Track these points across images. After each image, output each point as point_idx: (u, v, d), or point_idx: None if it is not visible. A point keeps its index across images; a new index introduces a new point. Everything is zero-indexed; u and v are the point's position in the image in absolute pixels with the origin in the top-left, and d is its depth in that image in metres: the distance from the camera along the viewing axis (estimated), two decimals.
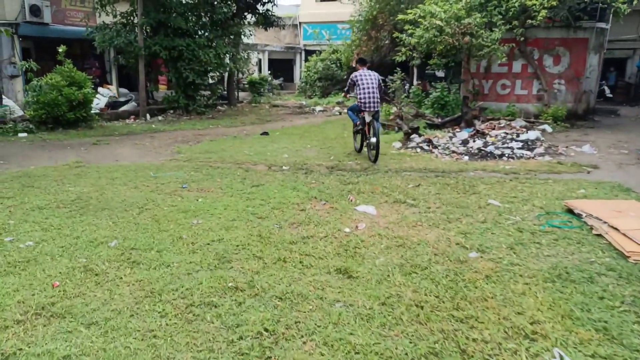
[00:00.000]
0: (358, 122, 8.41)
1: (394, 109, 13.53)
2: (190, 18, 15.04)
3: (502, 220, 4.89)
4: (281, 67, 31.34)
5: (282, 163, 7.94)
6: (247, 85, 19.94)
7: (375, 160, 7.81)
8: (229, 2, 15.86)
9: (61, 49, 11.99)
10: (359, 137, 8.74)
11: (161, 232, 4.55)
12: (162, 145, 10.19)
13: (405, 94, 16.03)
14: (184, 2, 15.50)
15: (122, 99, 15.83)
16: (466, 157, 8.18)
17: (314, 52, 32.02)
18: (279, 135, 11.75)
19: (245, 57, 16.61)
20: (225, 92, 18.79)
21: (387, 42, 20.70)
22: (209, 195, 5.91)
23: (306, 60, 32.99)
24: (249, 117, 15.81)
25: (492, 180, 6.60)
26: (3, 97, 13.12)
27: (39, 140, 10.66)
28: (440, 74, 21.19)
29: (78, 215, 5.09)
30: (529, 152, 8.34)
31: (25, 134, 11.15)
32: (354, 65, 22.13)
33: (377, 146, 7.70)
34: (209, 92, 16.78)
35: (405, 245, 4.22)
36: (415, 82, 18.73)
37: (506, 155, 8.23)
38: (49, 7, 16.97)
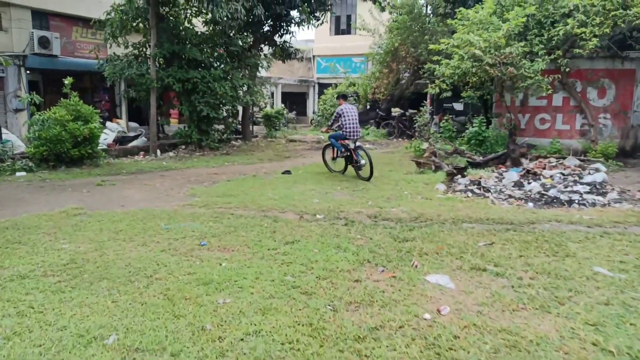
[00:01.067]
0: (343, 150, 9.86)
1: (425, 145, 12.45)
2: (205, 49, 14.25)
3: (630, 299, 3.67)
4: (294, 100, 30.71)
5: (315, 210, 6.79)
6: (261, 119, 19.06)
7: (370, 178, 9.26)
8: (246, 34, 15.11)
9: (67, 80, 11.13)
10: (341, 161, 10.29)
11: (176, 319, 3.37)
12: (175, 187, 9.11)
13: (435, 129, 14.99)
14: (199, 33, 14.77)
15: (131, 134, 14.93)
16: (530, 204, 6.99)
17: (328, 85, 31.43)
18: (302, 174, 10.66)
19: (262, 89, 15.73)
20: (239, 126, 17.88)
21: (407, 74, 19.91)
22: (234, 257, 4.74)
23: (320, 93, 32.43)
24: (265, 153, 14.79)
25: (578, 236, 5.39)
26: (5, 131, 12.20)
27: (38, 180, 9.63)
28: (458, 106, 20.28)
29: (68, 289, 3.92)
30: (601, 198, 7.14)
31: (23, 173, 10.14)
32: (371, 98, 21.37)
33: (371, 164, 9.20)
34: (223, 126, 15.84)
35: (521, 347, 2.99)
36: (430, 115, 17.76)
37: (576, 201, 7.03)
38: (59, 39, 16.36)
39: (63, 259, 4.64)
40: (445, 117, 14.75)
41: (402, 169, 11.07)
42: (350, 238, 5.37)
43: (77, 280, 4.11)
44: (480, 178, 8.66)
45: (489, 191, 7.80)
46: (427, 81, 15.14)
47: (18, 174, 10.05)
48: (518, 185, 8.18)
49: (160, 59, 13.99)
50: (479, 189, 7.94)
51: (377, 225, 5.98)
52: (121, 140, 14.18)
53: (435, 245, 5.07)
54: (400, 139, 18.73)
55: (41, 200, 7.80)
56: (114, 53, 14.54)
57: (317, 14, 16.35)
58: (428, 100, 17.57)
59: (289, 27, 17.04)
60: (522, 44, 10.65)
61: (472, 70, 10.51)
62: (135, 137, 14.62)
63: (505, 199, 7.33)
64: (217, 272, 4.27)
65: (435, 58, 11.86)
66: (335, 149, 10.17)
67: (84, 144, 10.93)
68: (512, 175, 8.87)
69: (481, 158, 10.51)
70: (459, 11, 11.48)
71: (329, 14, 16.79)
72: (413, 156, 12.21)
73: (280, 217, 6.41)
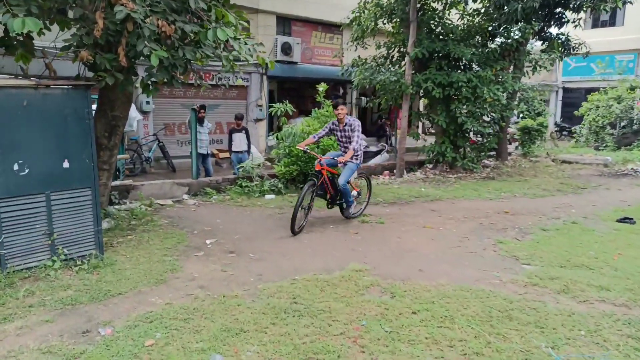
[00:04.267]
0: None
1: None
2: (470, 46, 11.32)
3: None
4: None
5: None
6: (516, 133, 15.34)
7: None
8: (524, 23, 11.49)
9: (322, 87, 9.44)
10: None
11: None
12: (468, 233, 6.34)
13: None
14: (461, 26, 11.96)
15: (372, 149, 12.92)
16: None
17: (576, 90, 25.75)
18: None
19: (537, 95, 12.09)
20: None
21: None
22: None
23: (566, 99, 26.79)
24: (542, 180, 11.13)
25: None
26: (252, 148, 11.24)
27: (288, 205, 7.97)
28: None
29: None
30: None
31: (272, 196, 8.66)
32: None
33: None
34: (479, 143, 12.68)
35: None
36: None
37: None
38: (300, 45, 15.50)
39: None
40: None
41: None
42: None
43: None
44: None
45: None
46: None
47: (267, 196, 8.62)
48: None
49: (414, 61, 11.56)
50: None
51: None
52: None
53: None
54: None
55: (302, 244, 5.83)
56: (358, 56, 12.73)
57: None
58: None
59: (563, 15, 12.99)
60: None
61: None
62: (377, 153, 12.56)
63: None
64: None
65: None
66: None
67: None
68: None
69: None
70: None
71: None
72: None
73: None
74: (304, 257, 5.32)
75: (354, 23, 12.63)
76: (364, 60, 12.45)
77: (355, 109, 17.89)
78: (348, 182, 6.66)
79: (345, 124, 6.56)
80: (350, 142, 6.48)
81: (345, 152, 6.52)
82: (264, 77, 15.29)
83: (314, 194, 6.41)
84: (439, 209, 7.98)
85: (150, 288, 4.36)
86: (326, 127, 6.80)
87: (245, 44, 6.61)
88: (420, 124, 14.86)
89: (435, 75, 10.88)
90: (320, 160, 6.47)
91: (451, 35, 11.75)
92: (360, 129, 6.61)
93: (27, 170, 4.44)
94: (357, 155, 6.62)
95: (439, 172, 11.86)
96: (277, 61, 14.61)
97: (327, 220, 7.09)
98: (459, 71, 11.31)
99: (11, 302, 3.95)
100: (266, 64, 6.37)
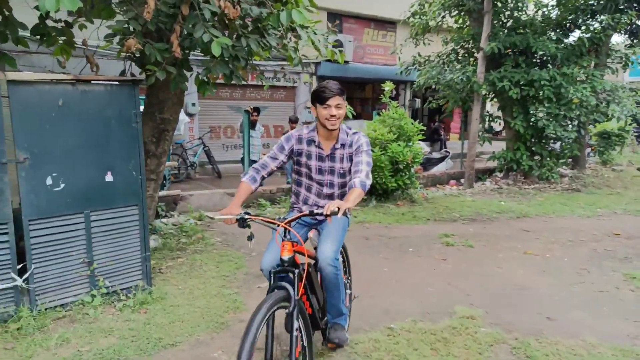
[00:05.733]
0: None
1: None
2: (549, 40, 10.00)
3: None
4: None
5: None
6: (592, 138, 13.77)
7: None
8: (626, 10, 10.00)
9: (387, 85, 8.39)
10: None
11: None
12: (584, 262, 5.15)
13: None
14: (539, 17, 10.64)
15: (435, 155, 11.75)
16: None
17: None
18: None
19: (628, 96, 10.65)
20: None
21: None
22: None
23: None
24: (635, 192, 9.69)
25: None
26: None
27: (352, 220, 6.95)
28: None
29: None
30: None
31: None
32: None
33: None
34: (553, 149, 11.29)
35: None
36: None
37: None
38: (351, 43, 14.50)
39: None
40: None
41: None
42: None
43: None
44: None
45: None
46: None
47: None
48: None
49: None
50: None
51: None
52: (425, 162, 11.04)
53: None
54: None
55: (383, 272, 4.79)
56: (419, 54, 11.62)
57: None
58: None
59: None
60: None
61: None
62: (441, 160, 11.38)
63: None
64: None
65: None
66: None
67: (403, 171, 7.98)
68: None
69: None
70: None
71: None
72: None
73: None
74: (392, 294, 4.28)
75: (414, 18, 11.54)
76: (426, 58, 11.32)
77: (408, 112, 16.73)
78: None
79: (340, 142, 2.89)
80: (354, 174, 2.77)
81: (331, 197, 2.97)
82: (314, 77, 14.38)
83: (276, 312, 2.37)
84: (531, 228, 6.77)
85: (210, 336, 3.43)
86: (281, 147, 2.94)
87: (315, 33, 5.69)
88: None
89: (512, 73, 9.63)
90: (285, 231, 2.53)
91: (528, 28, 10.45)
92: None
93: (62, 185, 3.60)
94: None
95: (513, 182, 10.58)
96: (327, 60, 13.66)
97: (399, 238, 6.03)
98: (540, 68, 10.00)
99: (40, 355, 3.10)
100: (334, 58, 5.44)
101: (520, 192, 9.59)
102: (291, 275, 2.47)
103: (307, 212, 2.51)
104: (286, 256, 2.46)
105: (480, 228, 6.79)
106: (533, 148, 10.40)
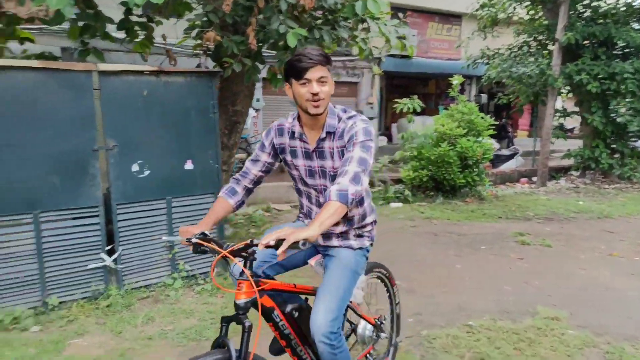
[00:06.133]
0: None
1: None
2: (637, 28, 9.31)
3: None
4: None
5: None
6: None
7: None
8: None
9: (457, 79, 8.13)
10: None
11: None
12: None
13: None
14: (621, 5, 9.93)
15: (505, 152, 11.28)
16: None
17: None
18: None
19: None
20: None
21: None
22: None
23: None
24: None
25: None
26: None
27: (419, 217, 6.80)
28: None
29: None
30: None
31: (399, 204, 7.54)
32: None
33: None
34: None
35: None
36: None
37: None
38: (415, 37, 14.21)
39: None
40: None
41: None
42: None
43: None
44: None
45: None
46: None
47: (392, 204, 7.52)
48: None
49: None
50: None
51: None
52: (494, 159, 10.59)
53: None
54: None
55: (456, 269, 4.64)
56: (487, 47, 11.19)
57: None
58: None
59: None
60: None
61: None
62: (510, 157, 10.91)
63: None
64: None
65: None
66: None
67: (471, 167, 7.72)
68: None
69: None
70: None
71: None
72: None
73: None
74: (466, 291, 4.13)
75: (483, 10, 11.12)
76: (495, 51, 10.88)
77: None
78: (347, 310, 2.26)
79: (326, 130, 2.01)
80: (337, 177, 1.85)
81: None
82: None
83: None
84: (615, 229, 6.32)
85: None
86: (262, 145, 2.17)
87: (385, 24, 5.59)
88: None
89: (591, 66, 9.04)
90: (248, 263, 1.76)
91: (608, 18, 9.76)
92: (373, 142, 1.99)
93: (146, 172, 3.77)
94: (366, 224, 2.19)
95: (591, 181, 9.94)
96: (389, 55, 13.47)
97: (469, 235, 5.82)
98: (620, 60, 9.32)
99: (129, 331, 3.26)
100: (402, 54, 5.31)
101: (600, 191, 8.99)
102: (247, 322, 1.67)
103: (247, 242, 1.71)
104: (241, 300, 1.69)
105: (558, 228, 6.42)
106: (613, 145, 9.72)
